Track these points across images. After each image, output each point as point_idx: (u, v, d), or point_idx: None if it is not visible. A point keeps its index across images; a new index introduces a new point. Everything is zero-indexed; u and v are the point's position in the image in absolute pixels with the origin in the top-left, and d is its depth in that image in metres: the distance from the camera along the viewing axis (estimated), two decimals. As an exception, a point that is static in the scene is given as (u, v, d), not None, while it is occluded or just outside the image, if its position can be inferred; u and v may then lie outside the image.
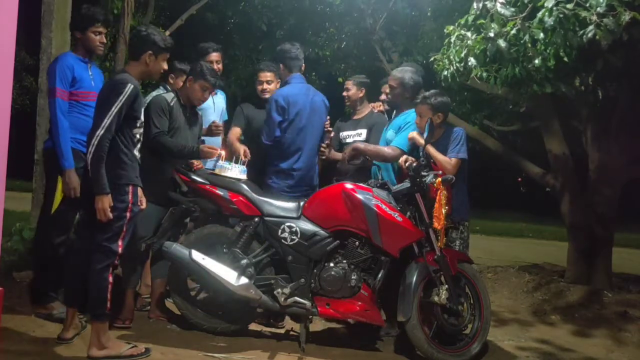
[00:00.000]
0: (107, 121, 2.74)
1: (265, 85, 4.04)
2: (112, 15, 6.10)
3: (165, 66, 3.11)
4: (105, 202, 2.74)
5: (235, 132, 4.03)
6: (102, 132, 2.74)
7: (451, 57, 3.88)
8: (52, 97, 3.26)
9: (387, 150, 3.74)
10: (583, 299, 4.85)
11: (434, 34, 5.57)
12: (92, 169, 2.75)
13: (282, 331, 3.61)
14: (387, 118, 4.17)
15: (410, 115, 3.79)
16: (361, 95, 4.25)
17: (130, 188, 2.86)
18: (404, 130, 3.75)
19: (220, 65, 4.19)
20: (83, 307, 3.02)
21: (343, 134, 4.24)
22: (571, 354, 3.86)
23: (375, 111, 4.30)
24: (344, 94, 4.30)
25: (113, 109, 2.74)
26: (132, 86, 2.80)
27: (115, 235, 2.81)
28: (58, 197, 3.40)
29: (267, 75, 4.05)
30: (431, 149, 3.58)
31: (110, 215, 2.76)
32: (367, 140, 4.05)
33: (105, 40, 3.49)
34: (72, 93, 3.31)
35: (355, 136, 4.13)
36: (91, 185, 2.80)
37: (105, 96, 2.83)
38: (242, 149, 3.70)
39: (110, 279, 2.82)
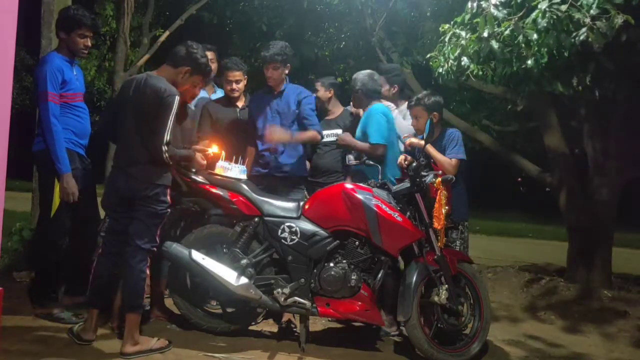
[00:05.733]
0: (167, 136, 2.84)
1: (234, 85, 3.98)
2: (102, 18, 6.11)
3: (197, 92, 3.24)
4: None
5: (203, 143, 3.78)
6: (167, 140, 2.84)
7: (446, 54, 3.90)
8: (44, 101, 3.20)
9: (367, 147, 3.77)
10: (582, 299, 4.85)
11: (434, 34, 5.56)
12: (178, 161, 3.05)
13: (282, 326, 3.62)
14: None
15: (369, 111, 3.86)
16: (330, 95, 4.34)
17: (169, 190, 2.99)
18: (370, 124, 3.79)
19: (214, 65, 4.16)
20: (106, 309, 3.16)
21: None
22: (570, 353, 3.86)
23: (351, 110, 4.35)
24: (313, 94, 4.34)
25: (169, 123, 2.84)
26: (178, 97, 2.90)
27: (154, 235, 2.98)
28: (57, 199, 3.40)
29: (235, 75, 3.97)
30: (431, 149, 3.59)
31: None
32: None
33: (90, 44, 3.44)
34: (61, 95, 3.28)
35: (331, 136, 4.14)
36: (126, 192, 2.94)
37: (157, 108, 2.85)
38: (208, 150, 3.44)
39: (148, 271, 2.98)
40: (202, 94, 4.25)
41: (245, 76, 4.04)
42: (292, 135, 3.81)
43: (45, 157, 3.27)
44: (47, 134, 3.22)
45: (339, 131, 4.13)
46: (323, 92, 4.33)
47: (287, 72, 3.95)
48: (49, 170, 3.29)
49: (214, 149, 3.40)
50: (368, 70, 4.10)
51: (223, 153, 3.46)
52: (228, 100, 4.06)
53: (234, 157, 3.49)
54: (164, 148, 2.82)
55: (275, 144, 3.81)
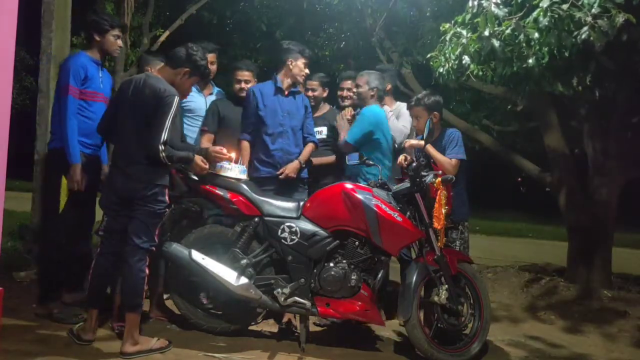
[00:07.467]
0: (165, 135, 2.84)
1: (243, 85, 4.00)
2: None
3: (191, 90, 3.29)
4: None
5: (208, 138, 3.94)
6: (165, 139, 2.84)
7: (447, 54, 3.90)
8: (65, 95, 3.28)
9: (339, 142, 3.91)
10: (582, 299, 4.85)
11: (434, 34, 5.56)
12: (176, 162, 3.02)
13: (282, 326, 3.62)
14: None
15: (364, 110, 3.89)
16: (325, 94, 4.39)
17: (167, 189, 3.00)
18: (356, 123, 3.88)
19: (214, 67, 4.14)
20: (105, 309, 3.15)
21: None
22: (570, 353, 3.86)
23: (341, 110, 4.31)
24: (310, 94, 4.30)
25: (167, 123, 2.85)
26: (177, 98, 2.92)
27: (153, 235, 2.99)
28: (63, 197, 3.42)
29: (244, 74, 4.01)
30: (431, 149, 3.59)
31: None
32: (329, 138, 4.17)
33: (122, 45, 3.62)
34: (80, 91, 3.34)
35: (318, 133, 4.15)
36: (125, 192, 2.94)
37: (156, 108, 2.86)
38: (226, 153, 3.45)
39: (147, 271, 2.98)
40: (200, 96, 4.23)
41: (256, 78, 4.06)
42: (300, 163, 3.85)
43: (55, 155, 3.32)
44: (62, 127, 3.28)
45: (324, 129, 4.18)
46: (321, 91, 4.36)
47: None
48: (59, 168, 3.34)
49: (231, 155, 3.40)
50: (373, 72, 4.09)
51: (233, 155, 3.44)
52: (237, 100, 4.06)
53: (234, 157, 3.48)
54: (161, 147, 2.82)
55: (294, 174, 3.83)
